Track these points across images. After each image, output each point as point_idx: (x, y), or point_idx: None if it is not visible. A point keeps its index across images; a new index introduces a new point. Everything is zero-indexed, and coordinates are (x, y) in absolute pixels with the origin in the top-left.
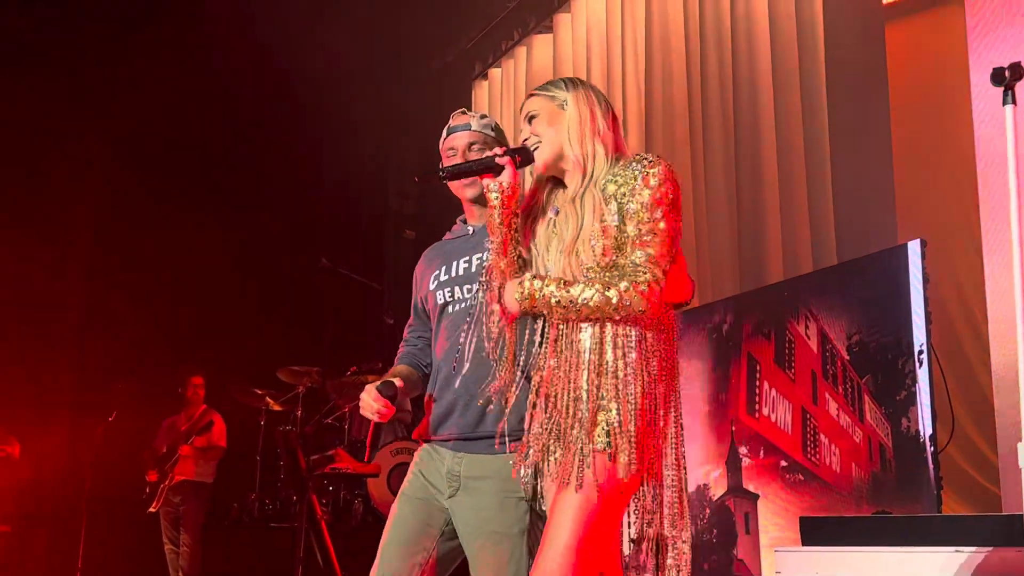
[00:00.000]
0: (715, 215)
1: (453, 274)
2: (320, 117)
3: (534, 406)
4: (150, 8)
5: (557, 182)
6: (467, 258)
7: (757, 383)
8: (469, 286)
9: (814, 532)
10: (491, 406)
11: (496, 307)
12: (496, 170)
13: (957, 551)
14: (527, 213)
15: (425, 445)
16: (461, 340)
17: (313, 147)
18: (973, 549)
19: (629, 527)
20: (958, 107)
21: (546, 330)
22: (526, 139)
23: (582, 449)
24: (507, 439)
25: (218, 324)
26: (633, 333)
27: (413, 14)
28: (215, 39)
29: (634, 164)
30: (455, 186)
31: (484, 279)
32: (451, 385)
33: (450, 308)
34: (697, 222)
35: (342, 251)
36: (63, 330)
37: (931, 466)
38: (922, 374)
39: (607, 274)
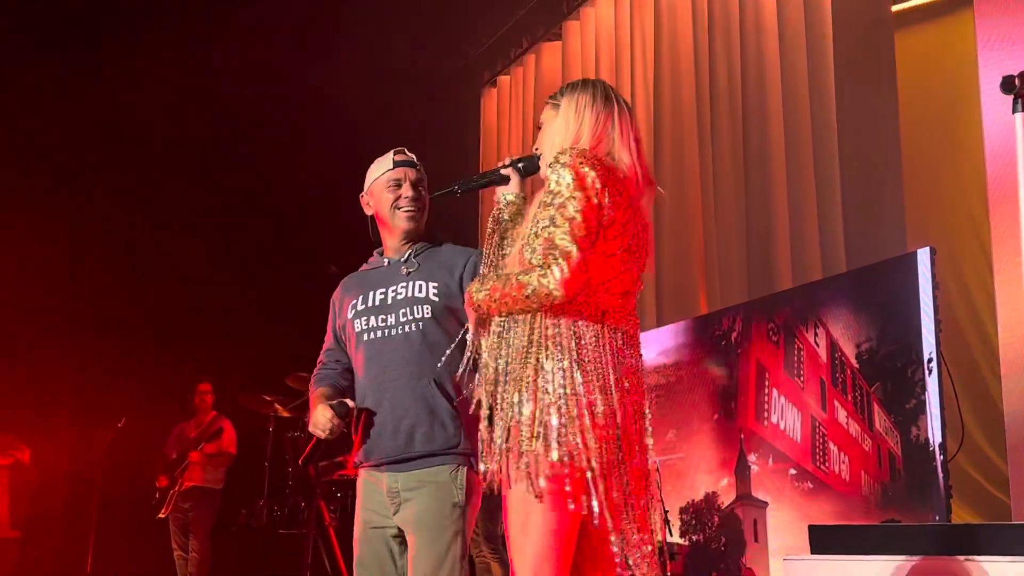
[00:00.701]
0: (724, 222)
1: (370, 304)
2: (328, 123)
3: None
4: (159, 6)
5: None
6: (383, 289)
7: (766, 390)
8: (384, 316)
9: (823, 540)
10: (417, 428)
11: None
12: (503, 181)
13: (968, 560)
14: None
15: (362, 474)
16: (386, 367)
17: (321, 153)
18: (983, 558)
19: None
20: (968, 115)
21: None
22: (536, 148)
23: (502, 446)
24: (439, 457)
25: (226, 330)
26: (562, 327)
27: (423, 21)
28: (224, 43)
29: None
30: (390, 217)
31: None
32: (379, 410)
33: (366, 336)
34: (706, 229)
35: (350, 258)
36: (68, 335)
37: (940, 474)
38: (931, 382)
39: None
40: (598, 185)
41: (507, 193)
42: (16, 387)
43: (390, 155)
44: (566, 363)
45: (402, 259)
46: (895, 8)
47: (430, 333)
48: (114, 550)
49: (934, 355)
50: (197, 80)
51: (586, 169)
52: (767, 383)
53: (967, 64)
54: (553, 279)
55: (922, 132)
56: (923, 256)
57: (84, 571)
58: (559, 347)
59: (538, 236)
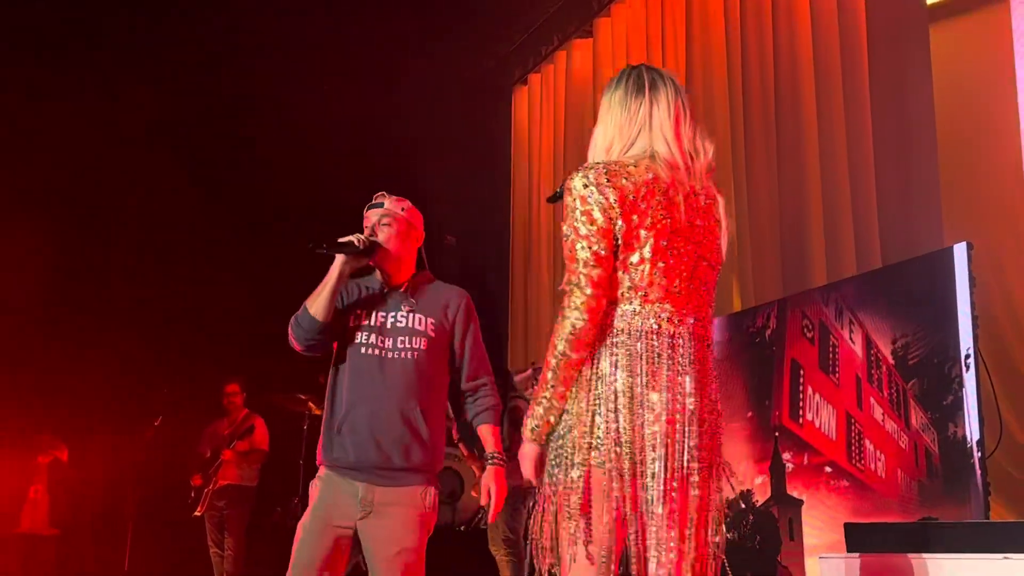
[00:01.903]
0: (758, 218)
1: (372, 322)
2: (361, 122)
3: None
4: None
5: None
6: (384, 313)
7: (801, 388)
8: (383, 338)
9: (859, 538)
10: (398, 445)
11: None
12: None
13: (1006, 558)
14: None
15: (330, 473)
16: (378, 385)
17: (351, 152)
18: (1023, 556)
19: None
20: (1004, 109)
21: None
22: None
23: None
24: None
25: (262, 329)
26: (603, 350)
27: (454, 20)
28: (252, 42)
29: None
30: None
31: None
32: (367, 423)
33: (363, 350)
34: (739, 225)
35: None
36: (105, 336)
37: (979, 472)
38: (969, 379)
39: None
40: (605, 202)
41: None
42: (55, 387)
43: None
44: (592, 383)
45: (400, 289)
46: (930, 1)
47: (423, 363)
48: (151, 547)
49: (971, 351)
50: (234, 84)
51: (590, 190)
52: (802, 380)
53: (1003, 56)
54: (567, 323)
55: (958, 126)
56: (960, 251)
57: (122, 568)
58: (595, 372)
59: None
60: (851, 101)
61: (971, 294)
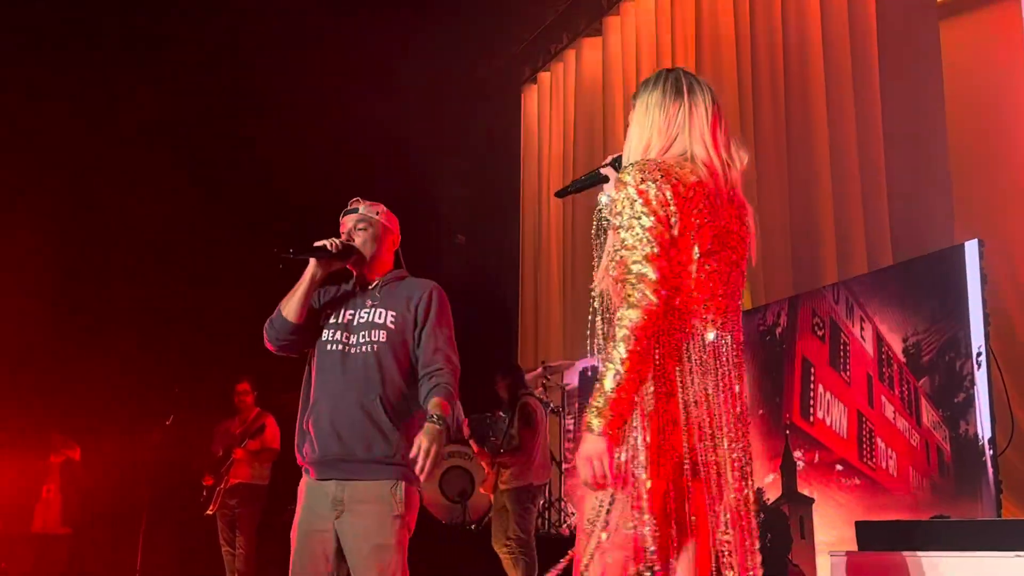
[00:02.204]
0: (768, 216)
1: (339, 320)
2: (372, 123)
3: None
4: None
5: None
6: (352, 311)
7: (812, 386)
8: (347, 334)
9: (870, 536)
10: (359, 438)
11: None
12: (603, 180)
13: (1018, 556)
14: None
15: (307, 480)
16: (339, 379)
17: (366, 154)
18: None
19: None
20: (1015, 103)
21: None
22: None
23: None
24: (378, 467)
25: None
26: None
27: (463, 19)
28: (252, 42)
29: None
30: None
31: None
32: (329, 417)
33: (328, 347)
34: None
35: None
36: (117, 336)
37: (990, 469)
38: (980, 376)
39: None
40: (662, 197)
41: (603, 195)
42: (67, 387)
43: None
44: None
45: (370, 287)
46: None
47: (383, 356)
48: (163, 546)
49: (983, 349)
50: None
51: (647, 184)
52: (813, 378)
53: (1014, 52)
54: (636, 311)
55: (969, 122)
56: (971, 248)
57: (134, 567)
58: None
59: (616, 257)
60: (861, 98)
61: (982, 291)
